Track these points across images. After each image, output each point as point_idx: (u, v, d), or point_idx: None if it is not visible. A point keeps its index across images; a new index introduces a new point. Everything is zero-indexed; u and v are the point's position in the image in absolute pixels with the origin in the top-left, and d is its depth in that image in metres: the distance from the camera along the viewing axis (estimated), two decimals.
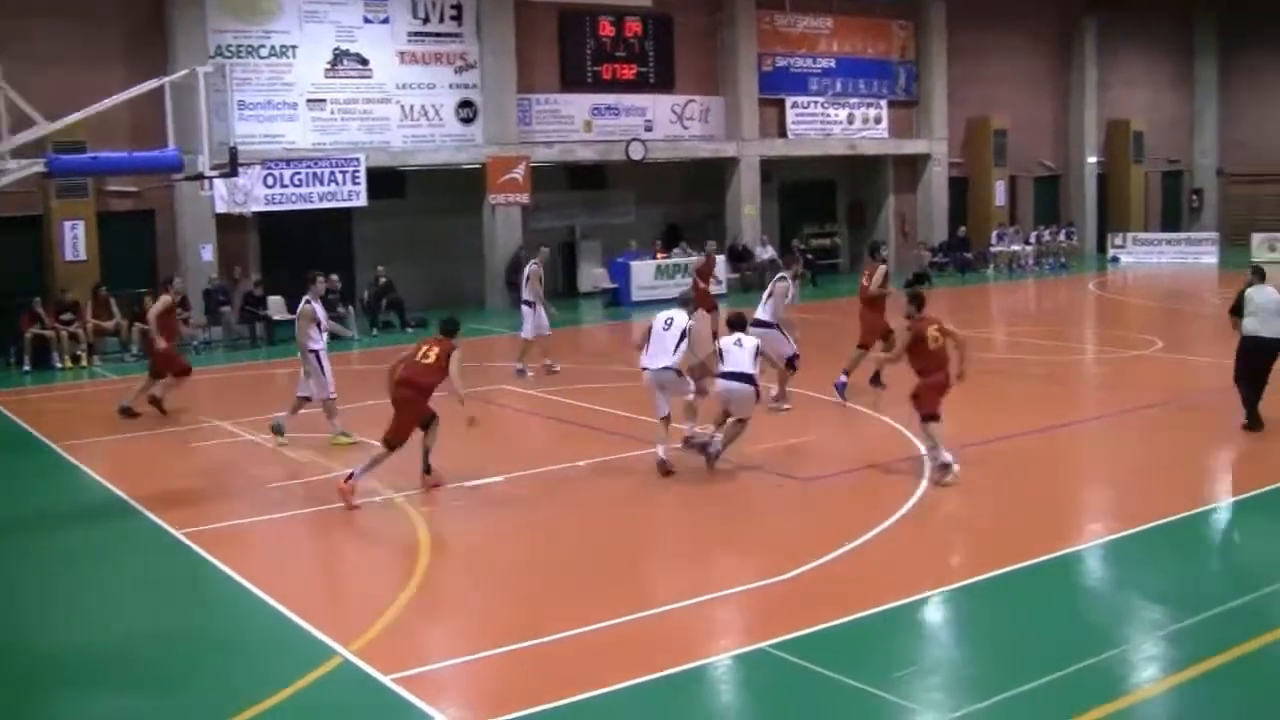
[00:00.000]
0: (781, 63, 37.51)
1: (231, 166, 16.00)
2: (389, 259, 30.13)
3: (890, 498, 12.97)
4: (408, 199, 32.33)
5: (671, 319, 14.55)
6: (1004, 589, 10.41)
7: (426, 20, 31.52)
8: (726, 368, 14.34)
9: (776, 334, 17.80)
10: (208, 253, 28.13)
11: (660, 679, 8.58)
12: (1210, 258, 41.17)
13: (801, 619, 9.53)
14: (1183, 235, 44.72)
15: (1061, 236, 42.01)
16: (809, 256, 37.23)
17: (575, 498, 13.90)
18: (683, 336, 14.39)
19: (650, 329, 14.61)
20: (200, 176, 16.02)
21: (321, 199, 29.12)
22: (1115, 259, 42.36)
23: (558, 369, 21.52)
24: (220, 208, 27.13)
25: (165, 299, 19.27)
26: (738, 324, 14.97)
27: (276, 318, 27.79)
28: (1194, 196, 48.68)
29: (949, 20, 40.24)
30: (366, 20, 30.64)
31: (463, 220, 32.38)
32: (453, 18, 31.85)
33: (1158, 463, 15.05)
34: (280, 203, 28.61)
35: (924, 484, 13.53)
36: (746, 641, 9.32)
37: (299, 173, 28.78)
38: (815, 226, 40.04)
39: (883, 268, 19.32)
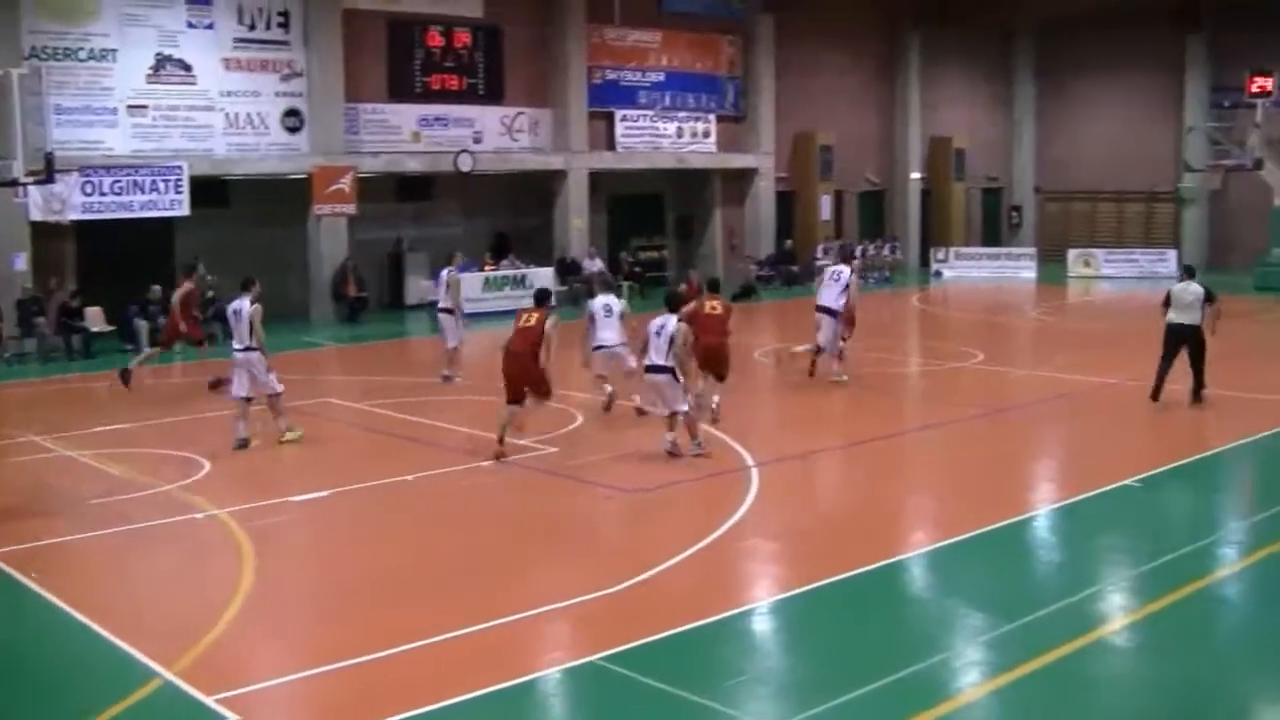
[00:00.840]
0: (611, 76, 37.59)
1: (48, 173, 15.45)
2: (213, 270, 29.43)
3: (718, 509, 13.05)
4: (232, 208, 31.61)
5: (610, 305, 17.12)
6: (831, 598, 10.54)
7: (252, 27, 30.94)
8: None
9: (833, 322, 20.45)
10: (21, 262, 27.18)
11: (490, 694, 8.52)
12: (1029, 272, 42.34)
13: (631, 631, 9.55)
14: (1003, 250, 45.91)
15: (886, 251, 42.80)
16: (637, 269, 37.46)
17: (403, 512, 13.75)
18: (621, 317, 17.16)
19: (593, 315, 17.25)
20: (14, 183, 15.48)
21: (142, 208, 28.33)
22: (938, 273, 43.29)
23: (457, 381, 21.11)
24: (35, 215, 26.29)
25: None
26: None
27: (95, 329, 27.05)
28: (1013, 213, 50.02)
29: (776, 37, 40.72)
30: (190, 25, 29.95)
31: (288, 231, 31.81)
32: (279, 25, 31.30)
33: (980, 472, 15.40)
34: (99, 211, 27.78)
35: (752, 495, 13.67)
36: (577, 655, 9.29)
37: (119, 180, 27.98)
38: (643, 239, 40.08)
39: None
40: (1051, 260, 43.40)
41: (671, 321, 15.44)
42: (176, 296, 21.87)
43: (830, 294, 20.76)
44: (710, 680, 8.75)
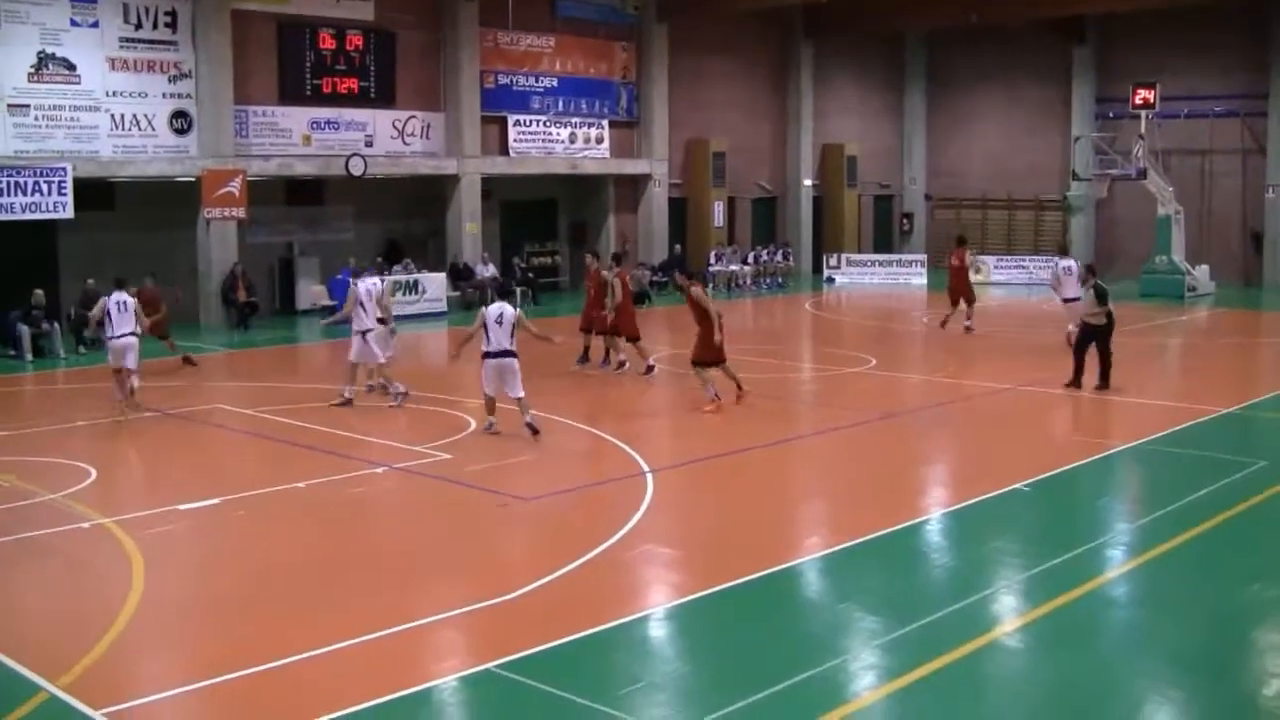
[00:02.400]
0: (504, 80, 37.44)
1: None
2: (98, 273, 28.82)
3: (613, 516, 13.03)
4: (118, 211, 31.06)
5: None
6: (726, 603, 10.54)
7: (139, 26, 30.40)
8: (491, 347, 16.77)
9: None
10: None
11: (384, 704, 8.41)
12: (919, 279, 42.86)
13: (527, 638, 9.49)
14: (894, 257, 46.35)
15: (778, 257, 43.02)
16: (530, 275, 37.34)
17: (294, 520, 13.56)
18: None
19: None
20: None
21: (24, 209, 27.71)
22: (830, 279, 43.66)
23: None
24: None
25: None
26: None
27: None
28: (904, 220, 50.58)
29: (670, 44, 40.84)
30: (74, 23, 29.36)
31: (177, 234, 31.30)
32: (167, 25, 30.79)
33: (873, 477, 15.54)
34: None
35: (647, 501, 13.67)
36: (472, 662, 9.22)
37: (0, 182, 27.42)
38: (536, 245, 40.00)
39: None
40: (942, 267, 43.85)
41: (509, 309, 16.95)
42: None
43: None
44: (607, 686, 8.73)
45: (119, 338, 18.82)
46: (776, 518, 13.64)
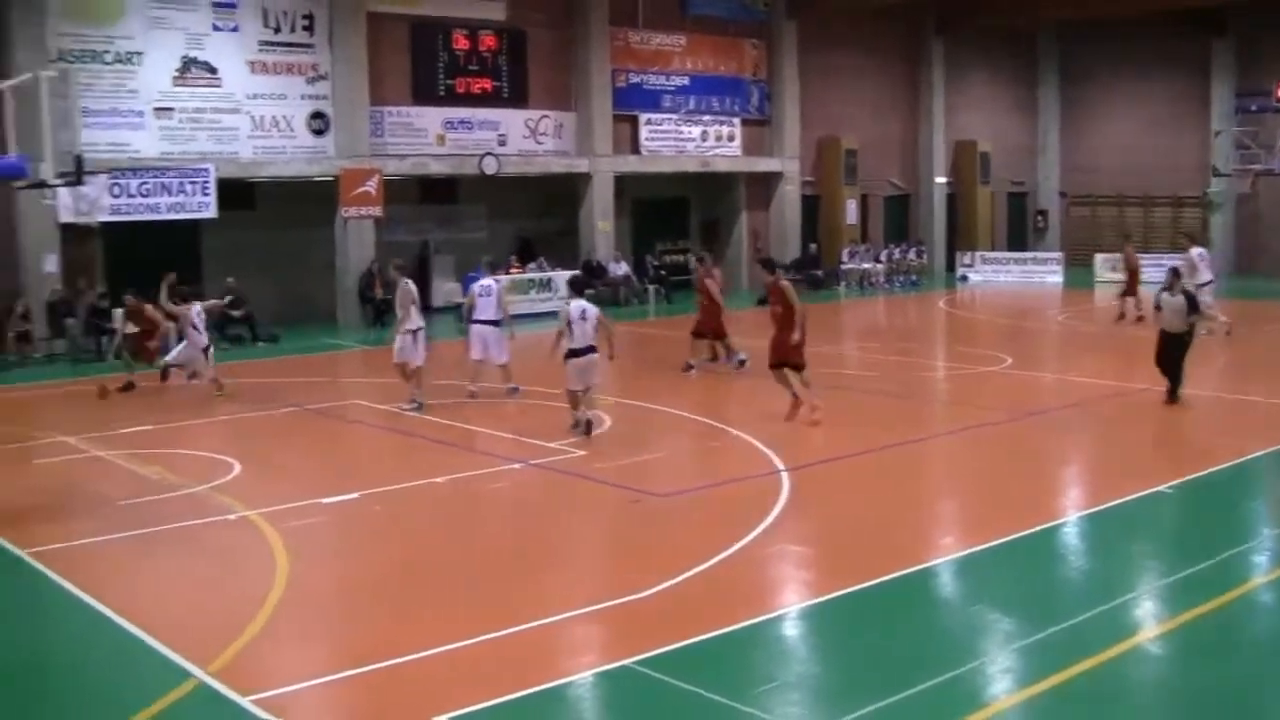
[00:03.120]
0: (635, 79, 37.60)
1: (78, 175, 15.38)
2: (239, 272, 29.49)
3: (748, 514, 12.94)
4: (258, 211, 31.73)
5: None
6: (862, 604, 10.45)
7: (278, 30, 31.02)
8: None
9: None
10: (51, 263, 27.36)
11: (525, 697, 8.49)
12: (1055, 277, 42.23)
13: (664, 635, 9.48)
14: (1029, 255, 45.78)
15: (911, 254, 42.73)
16: (663, 273, 37.44)
17: (432, 514, 13.73)
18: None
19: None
20: (43, 184, 15.45)
21: (170, 210, 28.46)
22: (964, 277, 43.23)
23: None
24: (65, 217, 26.51)
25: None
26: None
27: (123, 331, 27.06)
28: (1039, 217, 49.87)
29: (800, 41, 40.71)
30: (216, 28, 30.06)
31: (314, 233, 31.90)
32: (304, 28, 31.38)
33: (1009, 477, 15.32)
34: (127, 213, 27.91)
35: (783, 500, 13.59)
36: (610, 658, 9.25)
37: (146, 183, 28.13)
38: (668, 243, 40.12)
39: None
40: (1078, 265, 43.24)
41: (591, 307, 16.92)
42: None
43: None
44: (742, 686, 8.70)
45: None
46: (912, 517, 13.47)
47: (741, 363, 22.32)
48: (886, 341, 21.92)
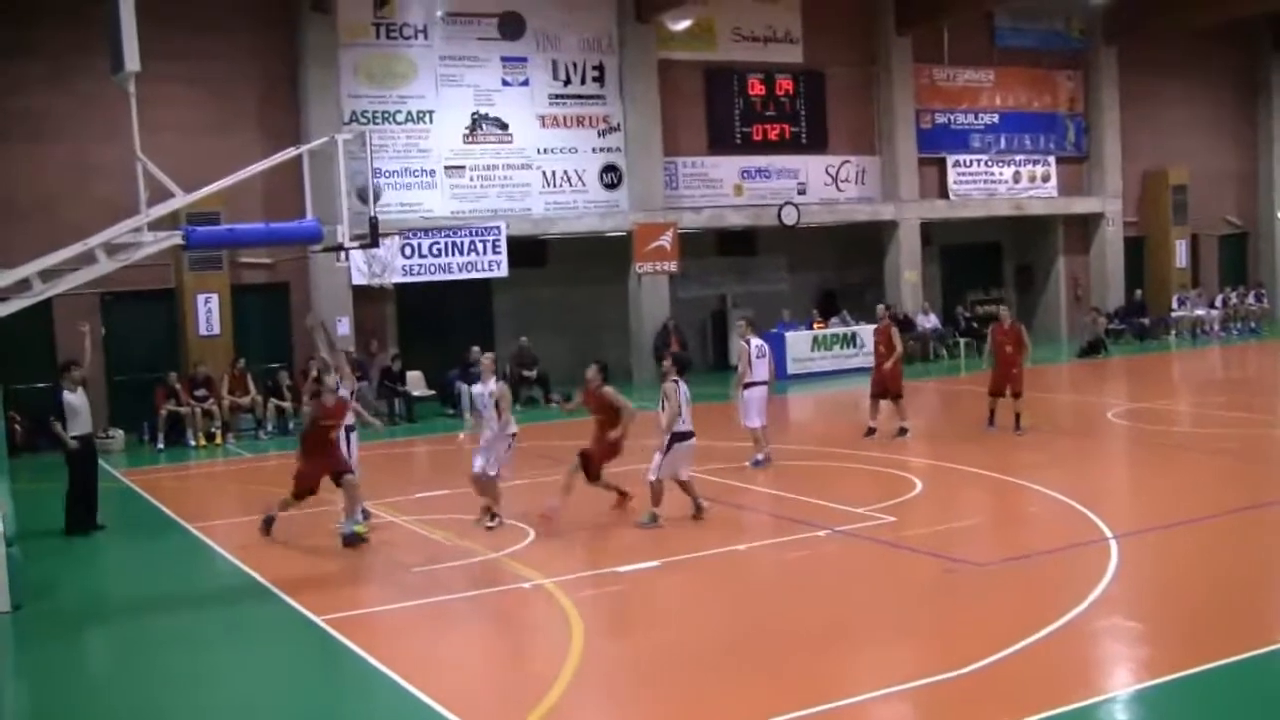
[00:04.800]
0: (941, 119, 35.62)
1: (372, 237, 14.61)
2: (530, 330, 28.62)
3: (1074, 585, 11.52)
4: (549, 268, 30.96)
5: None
6: (1202, 688, 9.08)
7: (567, 82, 30.22)
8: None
9: None
10: (345, 326, 26.95)
11: None
12: None
13: (984, 716, 8.71)
14: None
15: (1251, 299, 39.36)
16: (975, 324, 35.08)
17: (735, 583, 12.86)
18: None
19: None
20: (340, 248, 14.89)
21: (461, 269, 27.85)
22: None
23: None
24: (358, 280, 26.11)
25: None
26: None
27: (415, 393, 26.54)
28: None
29: (1120, 68, 38.00)
30: (505, 83, 29.45)
31: (607, 289, 30.99)
32: (594, 79, 30.52)
33: None
34: (419, 274, 27.46)
35: (1112, 570, 12.05)
36: None
37: (438, 242, 27.56)
38: (980, 292, 37.76)
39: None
40: None
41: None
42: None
43: None
44: None
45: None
46: (1258, 594, 11.57)
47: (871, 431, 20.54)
48: (1224, 395, 19.60)
